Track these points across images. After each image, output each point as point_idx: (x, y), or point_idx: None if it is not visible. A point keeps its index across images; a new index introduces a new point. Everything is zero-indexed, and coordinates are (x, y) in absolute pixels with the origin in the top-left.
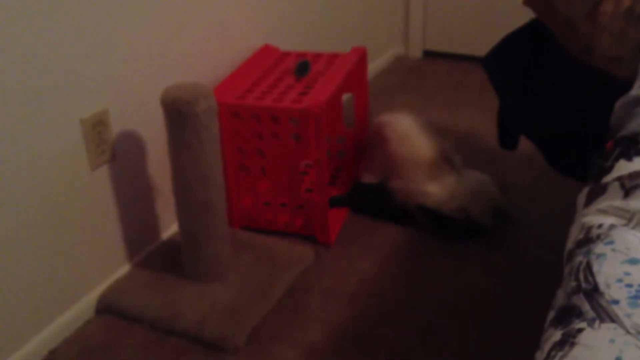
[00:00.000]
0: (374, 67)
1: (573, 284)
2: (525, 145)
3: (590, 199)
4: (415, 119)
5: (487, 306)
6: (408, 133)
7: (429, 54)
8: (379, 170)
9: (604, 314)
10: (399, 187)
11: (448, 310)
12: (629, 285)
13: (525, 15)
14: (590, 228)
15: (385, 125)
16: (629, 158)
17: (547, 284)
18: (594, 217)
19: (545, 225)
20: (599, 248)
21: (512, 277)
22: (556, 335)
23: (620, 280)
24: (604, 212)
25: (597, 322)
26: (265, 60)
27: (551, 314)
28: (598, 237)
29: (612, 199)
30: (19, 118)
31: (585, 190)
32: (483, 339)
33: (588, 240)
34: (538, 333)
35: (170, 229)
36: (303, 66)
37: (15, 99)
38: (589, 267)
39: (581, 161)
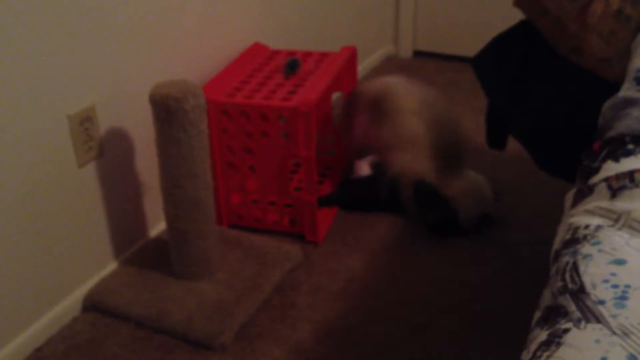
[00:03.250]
0: (364, 66)
1: (559, 284)
2: (514, 144)
3: (577, 200)
4: (421, 89)
5: (477, 303)
6: (414, 112)
7: (418, 54)
8: (374, 146)
9: (590, 315)
10: (398, 160)
11: (437, 307)
12: (615, 286)
13: (515, 17)
14: (577, 228)
15: (386, 96)
16: (616, 159)
17: (538, 281)
18: (581, 218)
19: (535, 223)
20: (586, 248)
21: (502, 274)
22: (542, 335)
23: (606, 281)
24: (590, 212)
25: (583, 322)
26: (255, 59)
27: (537, 314)
28: (585, 237)
29: (599, 200)
30: (4, 114)
31: (572, 191)
32: (473, 335)
33: (575, 240)
34: (528, 330)
35: (158, 226)
36: (293, 64)
37: (0, 94)
38: (575, 268)
39: (569, 162)
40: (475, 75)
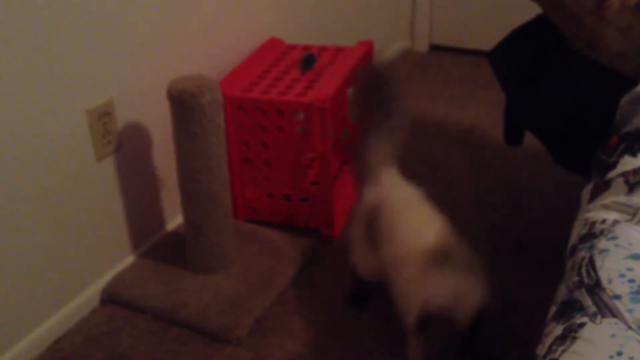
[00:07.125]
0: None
1: (575, 278)
2: (531, 140)
3: (594, 195)
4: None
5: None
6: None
7: (435, 48)
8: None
9: (606, 309)
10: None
11: None
12: (631, 281)
13: (531, 10)
14: (593, 223)
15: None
16: (634, 154)
17: (551, 279)
18: (597, 213)
19: (550, 220)
20: (602, 243)
21: (517, 273)
22: (558, 329)
23: (622, 276)
24: (607, 207)
25: (599, 317)
26: (271, 53)
27: (553, 309)
28: (601, 232)
29: (616, 195)
30: (25, 109)
31: (589, 186)
32: (486, 335)
33: (591, 235)
34: (533, 329)
35: (175, 220)
36: (309, 59)
37: (20, 90)
38: (591, 262)
39: (585, 157)
40: (491, 69)
